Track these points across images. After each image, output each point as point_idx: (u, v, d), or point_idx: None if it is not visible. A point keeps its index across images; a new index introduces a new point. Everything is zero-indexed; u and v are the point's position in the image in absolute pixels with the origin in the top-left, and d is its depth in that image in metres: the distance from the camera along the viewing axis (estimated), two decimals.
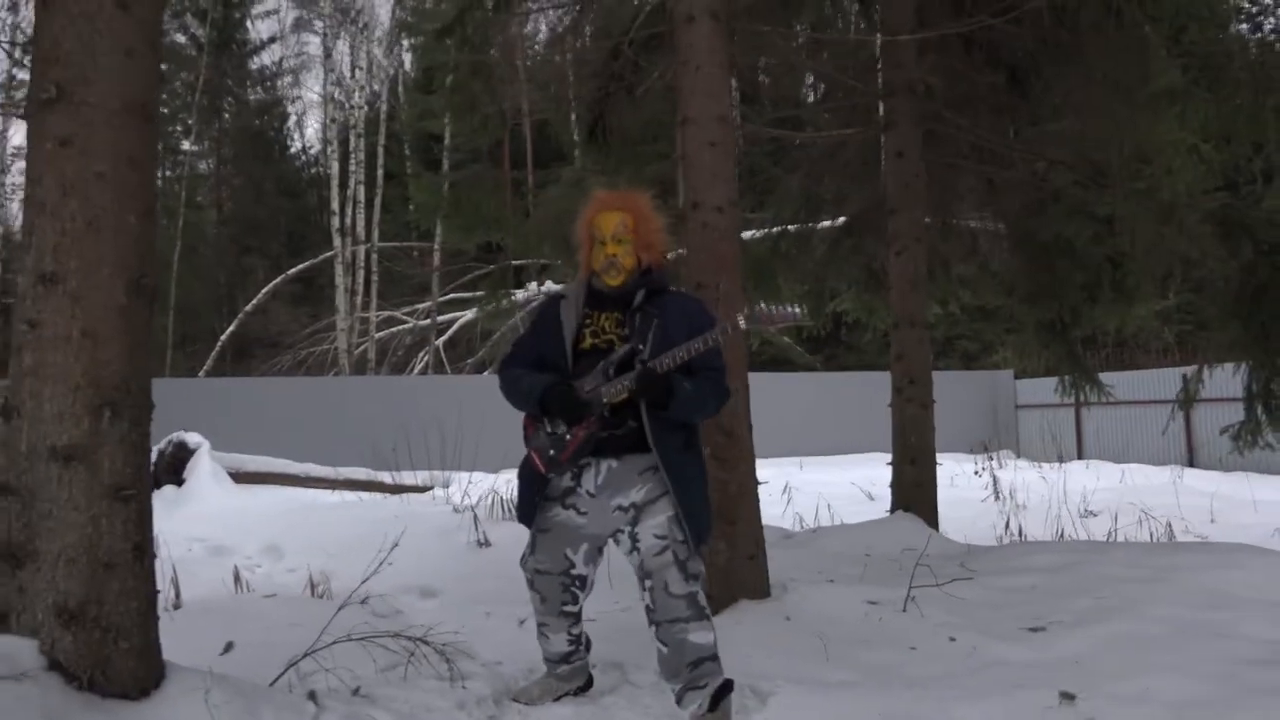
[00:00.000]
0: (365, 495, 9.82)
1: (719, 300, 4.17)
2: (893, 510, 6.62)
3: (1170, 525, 7.21)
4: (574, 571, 3.11)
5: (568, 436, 2.96)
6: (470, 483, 9.32)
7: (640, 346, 2.94)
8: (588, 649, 3.34)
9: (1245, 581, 4.14)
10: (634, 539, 2.94)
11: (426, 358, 20.13)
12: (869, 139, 7.36)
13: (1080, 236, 6.62)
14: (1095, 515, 8.67)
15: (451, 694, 3.23)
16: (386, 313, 21.40)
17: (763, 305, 2.76)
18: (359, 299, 21.84)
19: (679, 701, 2.93)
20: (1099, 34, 5.51)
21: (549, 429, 3.00)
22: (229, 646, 3.86)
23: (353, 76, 23.14)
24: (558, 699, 3.27)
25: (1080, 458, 17.17)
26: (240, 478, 9.73)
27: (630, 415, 2.94)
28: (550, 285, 18.37)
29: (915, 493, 6.45)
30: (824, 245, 8.43)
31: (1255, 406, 5.74)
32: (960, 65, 6.69)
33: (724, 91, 4.40)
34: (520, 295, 19.54)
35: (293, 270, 22.28)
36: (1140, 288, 6.88)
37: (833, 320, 10.10)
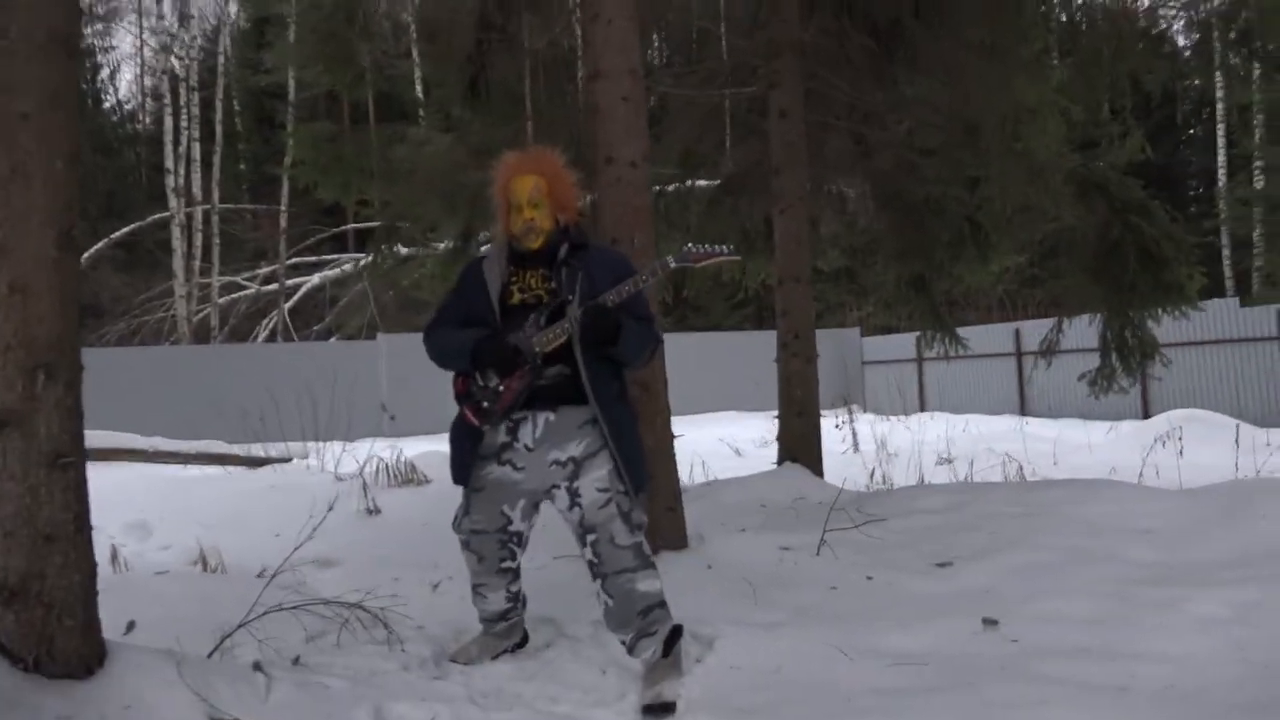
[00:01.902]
0: (229, 469, 9.44)
1: (634, 254, 4.21)
2: (780, 461, 6.82)
3: (1021, 468, 7.78)
4: (511, 528, 3.12)
5: (501, 388, 2.97)
6: (344, 451, 9.06)
7: (570, 298, 2.97)
8: (523, 606, 3.37)
9: (1114, 512, 4.54)
10: (574, 494, 2.97)
11: (271, 324, 19.34)
12: (747, 99, 7.51)
13: (949, 196, 6.97)
14: (951, 461, 9.23)
15: (393, 657, 3.21)
16: (228, 278, 20.42)
17: (691, 245, 2.83)
18: (196, 263, 20.71)
19: (631, 650, 3.00)
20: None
21: (481, 382, 3.00)
22: (130, 626, 3.68)
23: (179, 26, 21.76)
24: (496, 657, 3.29)
25: (923, 410, 18.20)
26: (91, 455, 9.16)
27: (564, 364, 2.97)
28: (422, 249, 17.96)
29: (802, 444, 6.67)
30: (701, 204, 8.58)
31: (1110, 354, 6.25)
32: (834, 25, 6.89)
33: (634, 45, 4.42)
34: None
35: (118, 234, 20.89)
36: (1001, 245, 7.32)
37: (673, 285, 10.22)
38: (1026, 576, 3.68)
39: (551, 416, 3.00)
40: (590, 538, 2.97)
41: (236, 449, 10.59)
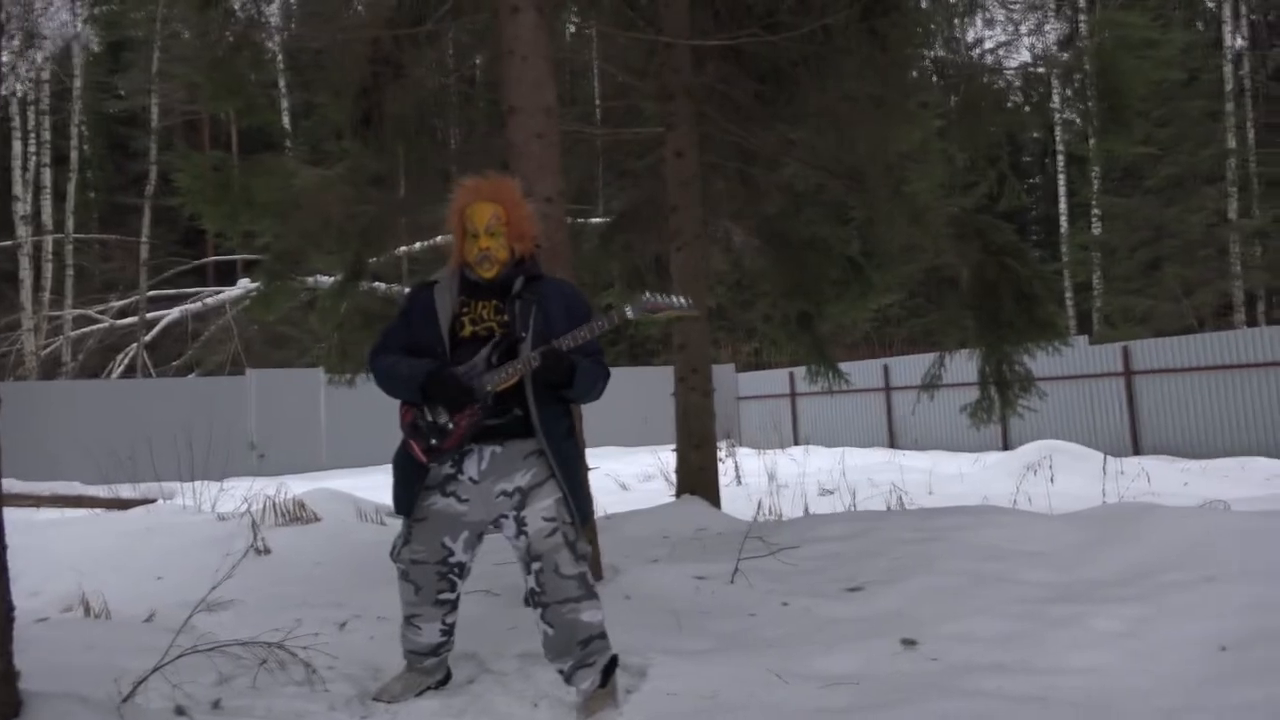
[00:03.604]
0: (98, 511, 8.88)
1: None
2: (678, 494, 6.90)
3: (901, 498, 8.08)
4: (452, 559, 3.07)
5: (450, 425, 2.93)
6: (221, 491, 8.67)
7: (523, 335, 2.96)
8: (453, 642, 3.32)
9: (1005, 536, 4.78)
10: (520, 523, 2.95)
11: (127, 359, 18.38)
12: (642, 139, 7.66)
13: (835, 237, 7.25)
14: (831, 493, 9.51)
15: (316, 698, 3.09)
16: (80, 311, 19.32)
17: (649, 295, 2.84)
18: (46, 295, 19.52)
19: (569, 679, 2.98)
20: (856, 52, 6.11)
21: (429, 418, 2.95)
22: (16, 677, 3.44)
23: (19, 47, 20.60)
24: (420, 694, 3.21)
25: (797, 444, 18.69)
26: None
27: (515, 403, 2.95)
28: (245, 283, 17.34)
29: (700, 476, 6.78)
30: (594, 239, 8.65)
31: (989, 388, 6.60)
32: (725, 73, 7.12)
33: (549, 82, 4.45)
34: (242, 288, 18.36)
35: None
36: (882, 284, 7.65)
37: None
38: (935, 598, 3.83)
39: (498, 450, 2.97)
40: (535, 565, 2.95)
41: (96, 490, 10.00)
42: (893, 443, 17.15)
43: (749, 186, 7.67)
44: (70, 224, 20.21)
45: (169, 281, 20.66)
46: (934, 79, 6.16)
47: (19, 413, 14.11)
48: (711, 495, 6.74)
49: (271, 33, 6.45)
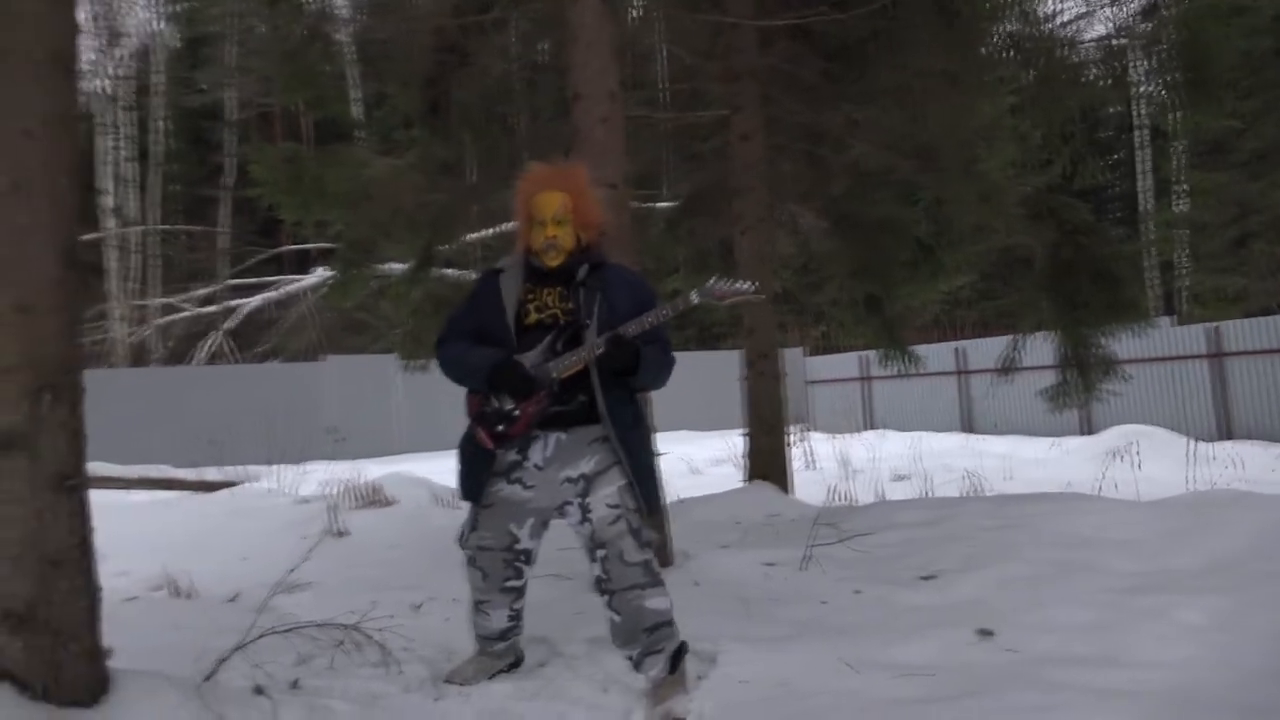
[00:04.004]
0: (183, 493, 9.21)
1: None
2: (749, 479, 6.87)
3: (978, 483, 7.92)
4: (518, 546, 3.09)
5: (516, 413, 2.94)
6: (302, 474, 8.90)
7: (588, 322, 2.96)
8: (522, 626, 3.34)
9: (1090, 524, 4.64)
10: (585, 509, 2.95)
11: (212, 346, 18.93)
12: (707, 123, 7.60)
13: (904, 217, 7.12)
14: (906, 478, 9.37)
15: (392, 679, 3.15)
16: (166, 300, 19.95)
17: (715, 280, 2.83)
18: (133, 285, 20.19)
19: (637, 667, 2.98)
20: (928, 27, 5.96)
21: (495, 404, 2.97)
22: (108, 654, 3.57)
23: (106, 44, 21.27)
24: (492, 677, 3.24)
25: (870, 428, 18.46)
26: None
27: (580, 390, 2.95)
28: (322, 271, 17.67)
29: (771, 461, 6.75)
30: (660, 224, 8.63)
31: (1068, 371, 6.42)
32: (791, 52, 7.01)
33: (613, 67, 4.45)
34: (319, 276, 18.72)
35: None
36: (953, 265, 7.48)
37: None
38: (1014, 587, 3.74)
39: (563, 436, 2.98)
40: (600, 553, 2.95)
41: (184, 473, 10.35)
42: (969, 427, 16.83)
43: (816, 168, 7.56)
44: (154, 216, 20.82)
45: (250, 270, 21.21)
46: (1008, 54, 5.97)
47: (110, 399, 14.63)
48: (783, 480, 6.71)
49: (340, 25, 6.53)
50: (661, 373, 3.03)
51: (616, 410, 2.97)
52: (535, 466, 2.99)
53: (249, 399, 14.66)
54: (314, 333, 19.56)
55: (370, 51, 7.80)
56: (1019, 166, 6.72)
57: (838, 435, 16.46)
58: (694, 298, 2.95)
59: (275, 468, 9.75)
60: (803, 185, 7.73)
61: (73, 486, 2.32)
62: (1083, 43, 6.04)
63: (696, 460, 11.76)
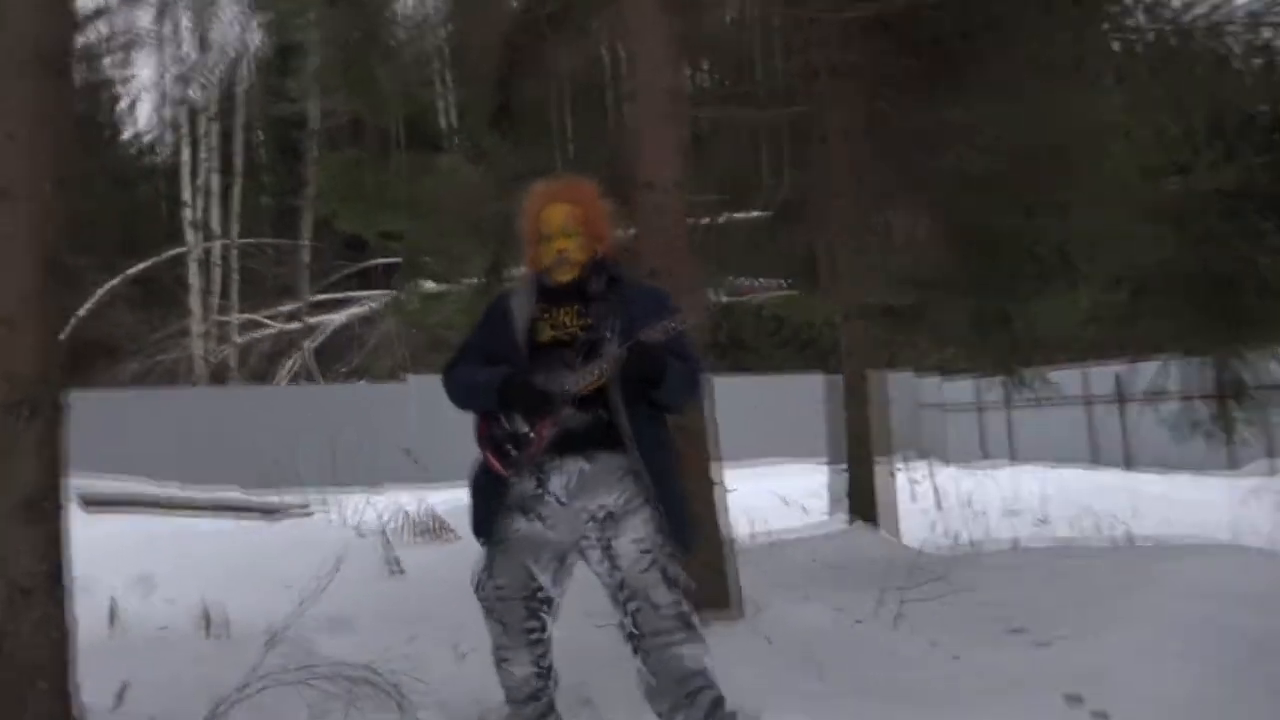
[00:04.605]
0: (242, 520, 9.52)
1: (675, 286, 4.15)
2: (851, 518, 6.77)
3: (1107, 525, 7.50)
4: (539, 591, 3.00)
5: (530, 434, 2.90)
6: (367, 503, 9.08)
7: (608, 335, 2.91)
8: (555, 684, 3.24)
9: (1220, 577, 4.34)
10: (609, 550, 2.88)
11: (295, 365, 19.61)
12: (800, 122, 7.47)
13: (1025, 226, 6.86)
14: (1046, 522, 8.96)
15: None
16: (247, 315, 20.75)
17: (743, 276, 2.82)
18: (215, 300, 21.10)
19: None
20: (1035, 17, 5.75)
21: (507, 426, 2.94)
22: (123, 690, 3.67)
23: (197, 55, 22.39)
24: None
25: (986, 458, 17.82)
26: (90, 503, 9.29)
27: (599, 407, 2.90)
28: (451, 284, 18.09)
29: (871, 497, 6.65)
30: (743, 236, 8.53)
31: (1229, 399, 6.03)
32: (887, 46, 6.83)
33: (673, 63, 4.44)
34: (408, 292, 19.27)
35: (134, 269, 21.35)
36: (1090, 280, 7.17)
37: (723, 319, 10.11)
38: (1123, 650, 3.51)
39: (586, 466, 2.92)
40: (629, 603, 2.87)
41: (254, 498, 10.71)
42: (1098, 459, 16.14)
43: (917, 171, 7.35)
44: (235, 229, 21.68)
45: (335, 285, 21.81)
46: (1136, 45, 5.70)
47: (186, 419, 15.33)
48: (885, 518, 6.63)
49: (400, 26, 6.70)
50: (688, 388, 2.98)
51: (641, 429, 2.90)
52: (556, 500, 2.93)
53: (327, 421, 15.00)
54: (399, 351, 20.02)
55: (437, 52, 7.95)
56: (1158, 168, 6.38)
57: (951, 466, 15.93)
58: (726, 293, 2.90)
59: (343, 495, 9.97)
60: (903, 189, 7.52)
61: (44, 511, 2.35)
62: (1229, 27, 5.68)
63: (797, 493, 11.51)
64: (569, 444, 2.92)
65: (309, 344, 20.18)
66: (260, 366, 20.29)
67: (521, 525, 2.97)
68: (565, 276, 3.04)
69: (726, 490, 4.58)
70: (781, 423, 17.18)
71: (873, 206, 7.71)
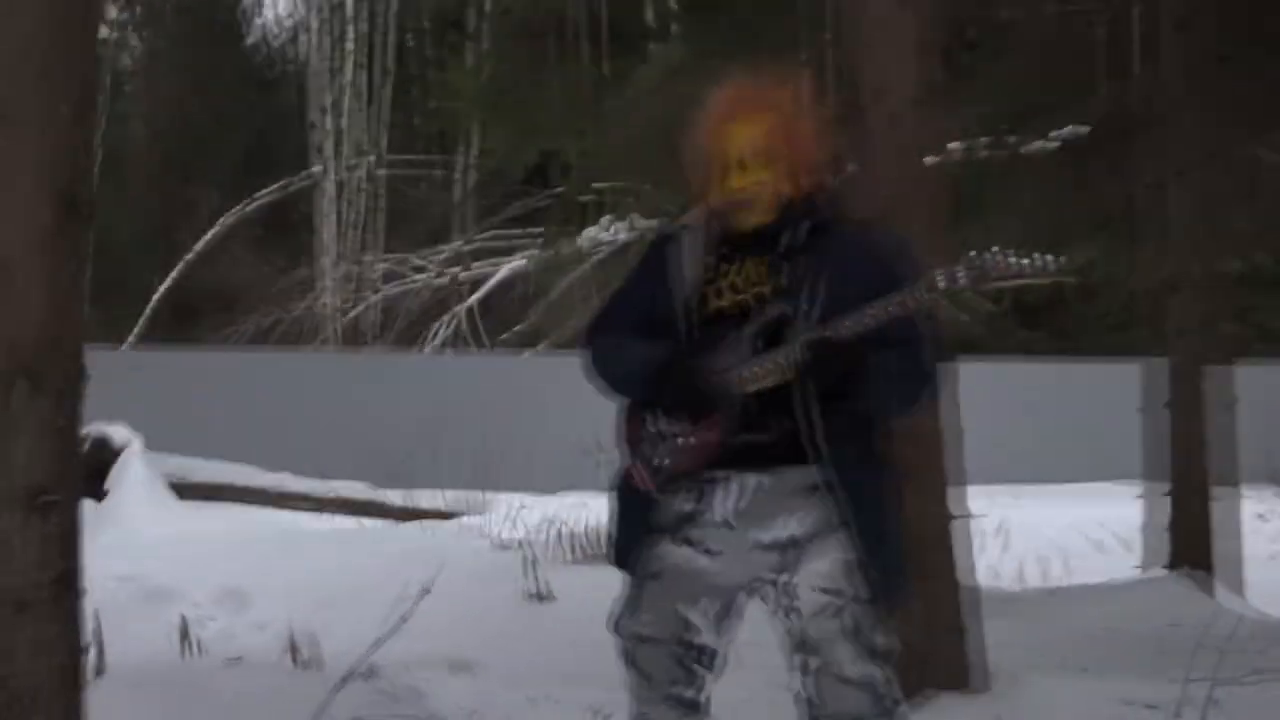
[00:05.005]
0: (365, 521, 9.99)
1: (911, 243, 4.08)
2: (1170, 565, 6.66)
3: None
4: (694, 639, 2.98)
5: (683, 441, 2.89)
6: (521, 508, 9.36)
7: (801, 306, 2.83)
8: None
9: None
10: (788, 593, 2.84)
11: (452, 325, 20.18)
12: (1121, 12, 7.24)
13: None
14: None
15: None
16: (394, 260, 21.56)
17: (993, 251, 2.63)
18: (353, 241, 22.08)
19: None
20: None
21: (658, 427, 2.93)
22: None
23: None
24: None
25: None
26: (186, 491, 9.96)
27: (783, 412, 2.82)
28: (638, 224, 18.01)
29: (1203, 539, 6.54)
30: (1035, 176, 8.30)
31: None
32: None
33: None
34: (590, 237, 19.31)
35: (256, 201, 22.48)
36: None
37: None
38: None
39: (762, 479, 2.87)
40: (807, 661, 2.83)
41: (391, 494, 11.22)
42: None
43: None
44: (383, 148, 22.59)
45: (513, 224, 22.00)
46: None
47: (310, 390, 16.00)
48: (1223, 567, 6.50)
49: None
50: (912, 390, 2.89)
51: (838, 441, 2.82)
52: (720, 523, 2.90)
53: (489, 400, 15.45)
54: (586, 311, 20.26)
55: None
56: None
57: None
58: (958, 277, 2.75)
59: (503, 498, 10.32)
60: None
61: (49, 504, 2.49)
62: None
63: (1109, 526, 11.11)
64: (744, 457, 2.87)
65: (472, 299, 20.59)
66: (407, 328, 20.97)
67: (674, 554, 2.94)
68: (750, 222, 2.95)
69: (971, 517, 4.44)
70: (1082, 428, 16.54)
71: (1229, 132, 7.36)
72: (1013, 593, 6.01)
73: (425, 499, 11.28)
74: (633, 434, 2.99)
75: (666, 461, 2.91)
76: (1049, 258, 2.73)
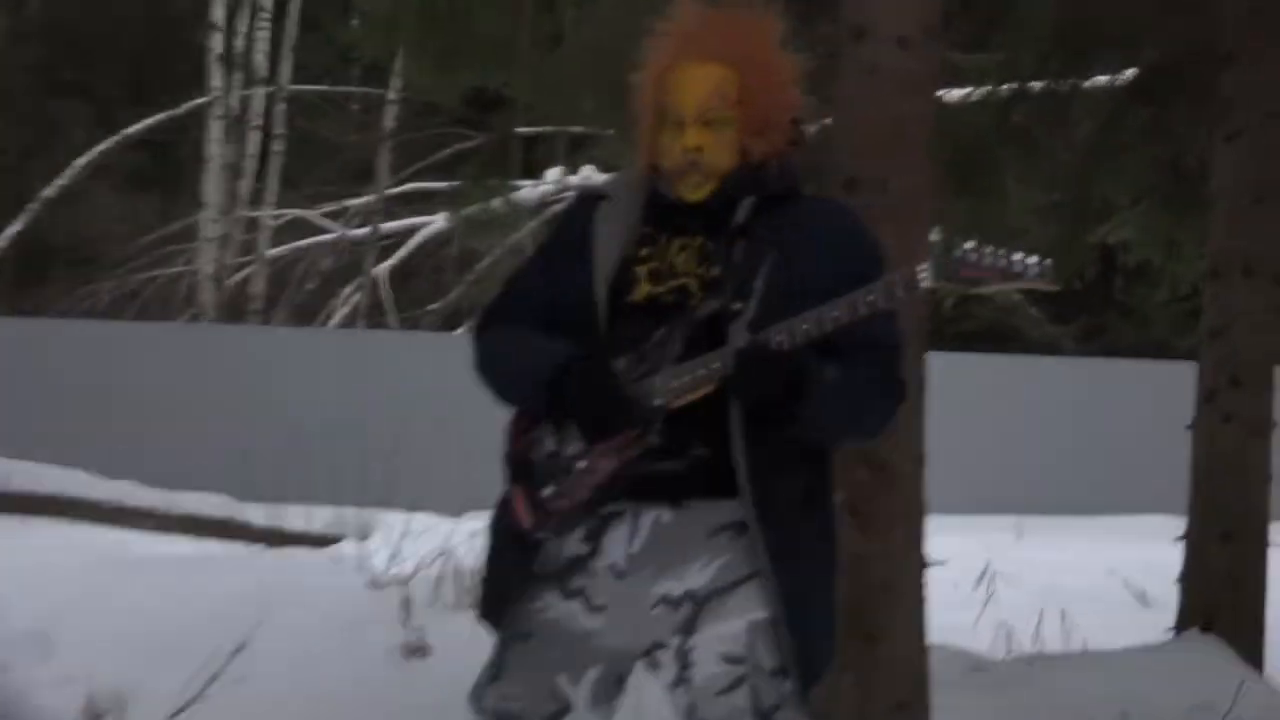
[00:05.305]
0: (219, 544, 9.94)
1: (891, 209, 4.08)
2: (1180, 626, 6.74)
3: None
4: (568, 716, 2.98)
5: (583, 465, 2.83)
6: (408, 533, 9.34)
7: (738, 304, 2.79)
8: None
9: None
10: (683, 659, 2.81)
11: (358, 296, 20.19)
12: None
13: None
14: None
15: None
16: (294, 212, 21.50)
17: (972, 241, 2.57)
18: (246, 185, 22.03)
19: None
20: None
21: (552, 446, 2.88)
22: None
23: None
24: None
25: None
26: (1, 503, 9.87)
27: (702, 435, 2.78)
28: (590, 174, 17.98)
29: (1233, 594, 6.55)
30: (1092, 120, 8.29)
31: None
32: None
33: None
34: (531, 189, 19.30)
35: (134, 128, 22.37)
36: None
37: (1100, 262, 9.75)
38: None
39: (666, 517, 2.84)
40: None
41: (249, 512, 11.14)
42: None
43: None
44: (286, 70, 22.44)
45: (441, 172, 21.94)
46: None
47: (172, 378, 15.80)
48: (1251, 634, 6.49)
49: None
50: (863, 413, 2.87)
51: (769, 475, 2.77)
52: (612, 570, 2.86)
53: (391, 391, 15.33)
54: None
55: None
56: None
57: None
58: (923, 276, 2.68)
59: (385, 516, 10.29)
60: None
61: None
62: None
63: (1156, 575, 11.17)
64: (647, 485, 2.83)
65: (387, 264, 20.60)
66: (305, 298, 20.94)
67: (553, 609, 2.92)
68: (695, 193, 2.91)
69: (928, 565, 4.45)
70: (1118, 445, 16.52)
71: None
72: (988, 659, 5.97)
73: (297, 518, 11.31)
74: (520, 453, 2.96)
75: (557, 491, 2.86)
76: (1031, 260, 2.69)
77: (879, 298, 2.67)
